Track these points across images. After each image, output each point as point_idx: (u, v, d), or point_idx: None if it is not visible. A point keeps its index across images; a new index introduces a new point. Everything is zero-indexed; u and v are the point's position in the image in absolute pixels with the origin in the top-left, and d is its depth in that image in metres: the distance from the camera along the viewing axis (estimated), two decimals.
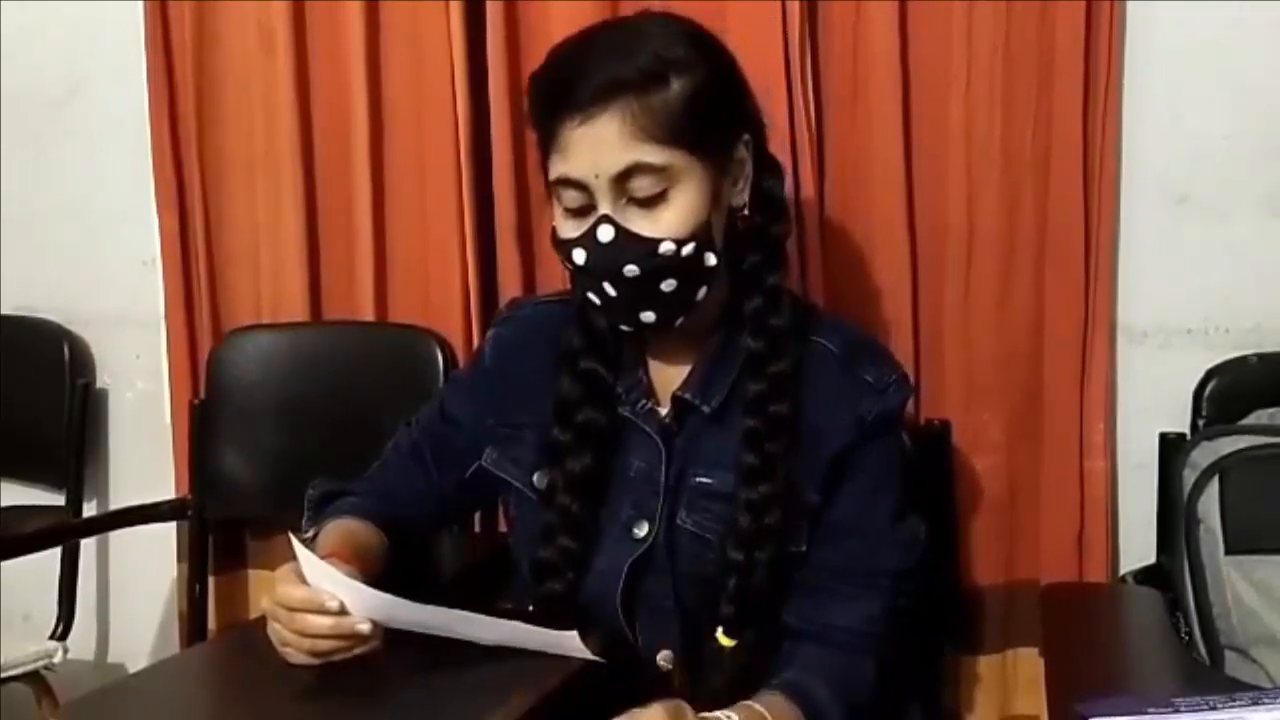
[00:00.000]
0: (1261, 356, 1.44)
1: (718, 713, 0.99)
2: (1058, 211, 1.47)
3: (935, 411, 1.51)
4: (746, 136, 1.12)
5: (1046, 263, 1.49)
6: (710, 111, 1.07)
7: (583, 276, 1.09)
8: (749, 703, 1.01)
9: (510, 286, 1.64)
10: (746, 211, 1.12)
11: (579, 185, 1.06)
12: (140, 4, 1.79)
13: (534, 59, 1.58)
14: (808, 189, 1.52)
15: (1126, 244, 1.49)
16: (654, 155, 1.04)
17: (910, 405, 1.31)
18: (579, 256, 1.08)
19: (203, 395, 1.77)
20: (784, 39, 1.49)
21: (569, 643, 1.01)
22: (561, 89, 1.06)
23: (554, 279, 1.61)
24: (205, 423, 1.75)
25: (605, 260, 1.06)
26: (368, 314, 1.73)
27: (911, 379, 1.28)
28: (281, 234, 1.75)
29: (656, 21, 1.12)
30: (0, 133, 1.99)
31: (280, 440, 1.73)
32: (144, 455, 1.93)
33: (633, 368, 1.17)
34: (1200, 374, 1.44)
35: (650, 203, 1.06)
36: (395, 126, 1.70)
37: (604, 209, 1.06)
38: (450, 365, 1.63)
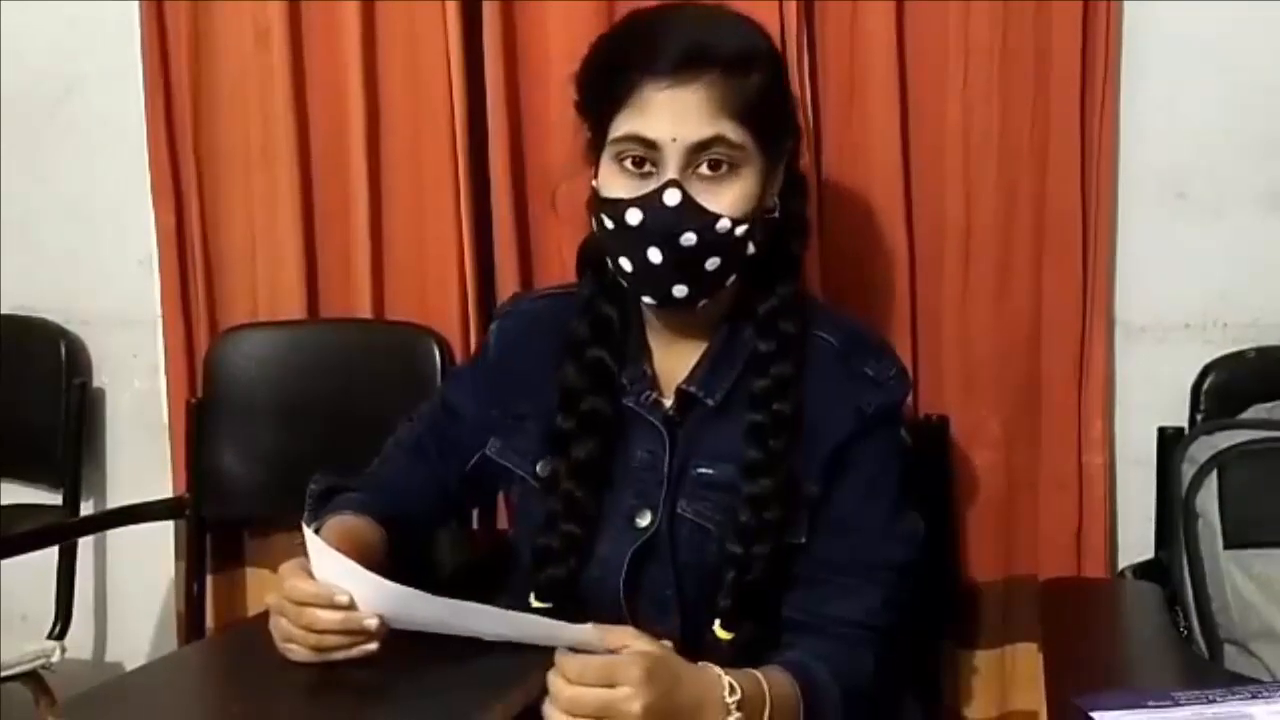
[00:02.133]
0: (1259, 351, 1.44)
1: (710, 665, 0.99)
2: (1055, 207, 1.47)
3: (933, 407, 1.51)
4: (789, 144, 1.15)
5: (1044, 258, 1.49)
6: (777, 109, 1.12)
7: (628, 238, 1.09)
8: (744, 670, 1.01)
9: (507, 284, 1.64)
10: (775, 214, 1.14)
11: (650, 145, 1.07)
12: (135, 3, 1.78)
13: (531, 56, 1.60)
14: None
15: (1124, 239, 1.49)
16: (735, 133, 1.07)
17: (908, 400, 1.31)
18: (634, 216, 1.08)
19: (200, 394, 1.77)
20: (781, 36, 1.49)
21: (581, 635, 1.01)
22: (647, 48, 1.07)
23: (551, 275, 1.61)
24: (202, 421, 1.75)
25: (665, 224, 1.07)
26: (365, 312, 1.72)
27: (910, 374, 1.28)
28: (278, 232, 1.75)
29: (737, 14, 1.16)
30: None
31: (277, 439, 1.73)
32: (141, 454, 1.93)
33: (637, 360, 1.17)
34: (1198, 369, 1.44)
35: (716, 179, 1.07)
36: (392, 124, 1.70)
37: (672, 173, 1.07)
38: (448, 363, 1.62)
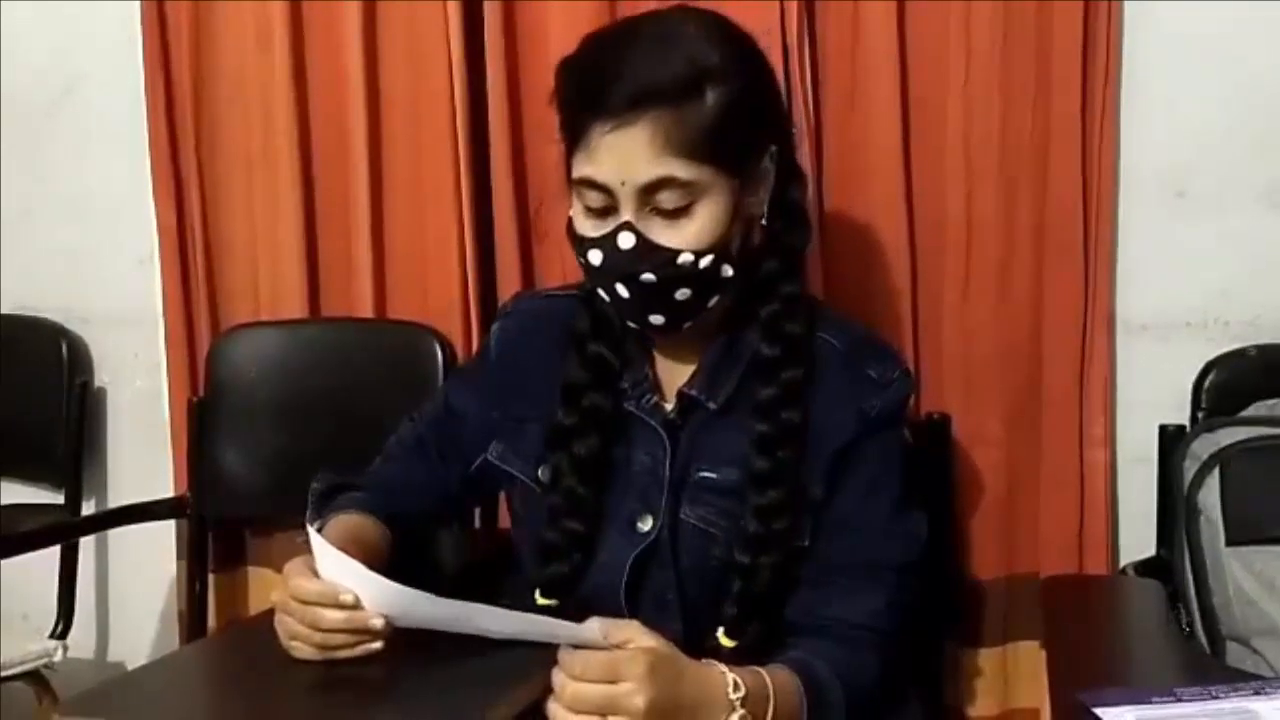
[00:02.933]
0: (1260, 349, 1.44)
1: (715, 662, 0.99)
2: (1056, 205, 1.47)
3: (935, 405, 1.51)
4: (774, 148, 1.12)
5: (1045, 256, 1.49)
6: (741, 126, 1.07)
7: (595, 276, 1.10)
8: (748, 667, 1.01)
9: (509, 283, 1.64)
10: (765, 221, 1.12)
11: (603, 188, 1.06)
12: (137, 2, 1.78)
13: (532, 55, 1.59)
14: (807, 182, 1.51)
15: (1125, 237, 1.49)
16: (683, 170, 1.04)
17: (910, 400, 1.31)
18: (595, 257, 1.08)
19: (201, 393, 1.77)
20: (782, 32, 1.49)
21: (585, 633, 1.01)
22: (593, 89, 1.05)
23: (552, 274, 1.61)
24: (204, 420, 1.75)
25: (622, 265, 1.06)
26: (366, 311, 1.72)
27: (913, 375, 1.28)
28: (279, 231, 1.75)
29: (694, 21, 1.09)
30: None
31: (279, 437, 1.73)
32: (143, 453, 1.93)
33: (639, 362, 1.17)
34: (1199, 367, 1.44)
35: (674, 214, 1.06)
36: (393, 123, 1.70)
37: (626, 216, 1.06)
38: (449, 362, 1.62)
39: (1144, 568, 1.39)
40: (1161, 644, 1.19)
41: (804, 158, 1.50)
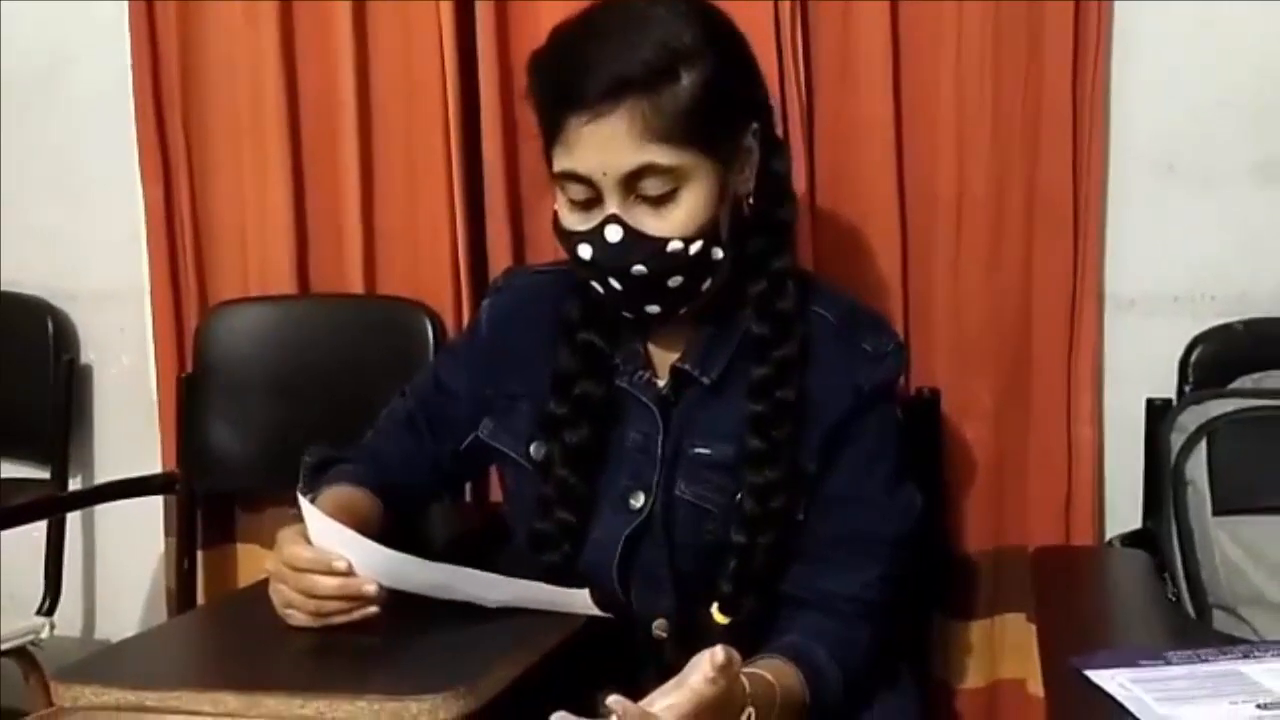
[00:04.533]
0: (1247, 324, 1.45)
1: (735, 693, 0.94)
2: (1046, 180, 1.48)
3: (925, 380, 1.51)
4: (755, 125, 1.11)
5: (1035, 231, 1.49)
6: (720, 106, 1.06)
7: (586, 270, 1.09)
8: (754, 670, 1.00)
9: (500, 258, 1.63)
10: (752, 199, 1.12)
11: (585, 180, 1.05)
12: None
13: (524, 31, 1.58)
14: (797, 158, 1.50)
15: (1114, 212, 1.50)
16: (664, 156, 1.03)
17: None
18: (584, 251, 1.07)
19: (189, 369, 1.76)
20: (775, 12, 1.49)
21: (578, 600, 1.01)
22: (566, 83, 1.04)
23: (543, 250, 1.61)
24: (192, 396, 1.74)
25: (613, 258, 1.06)
26: (356, 287, 1.72)
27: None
28: (268, 206, 1.74)
29: (663, 2, 1.08)
30: None
31: (269, 413, 1.72)
32: (130, 430, 1.92)
33: (631, 339, 1.16)
34: (1186, 341, 1.45)
35: (659, 201, 1.05)
36: (383, 97, 1.69)
37: (612, 208, 1.05)
38: (440, 338, 1.62)
39: (1130, 539, 1.40)
40: (1150, 612, 1.20)
41: (795, 134, 1.51)
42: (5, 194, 1.97)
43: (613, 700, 0.84)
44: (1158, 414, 1.41)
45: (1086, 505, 1.50)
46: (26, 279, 1.95)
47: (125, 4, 1.77)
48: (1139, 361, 1.50)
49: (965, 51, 1.48)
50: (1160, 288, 1.51)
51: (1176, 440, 1.29)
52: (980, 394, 1.53)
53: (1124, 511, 1.50)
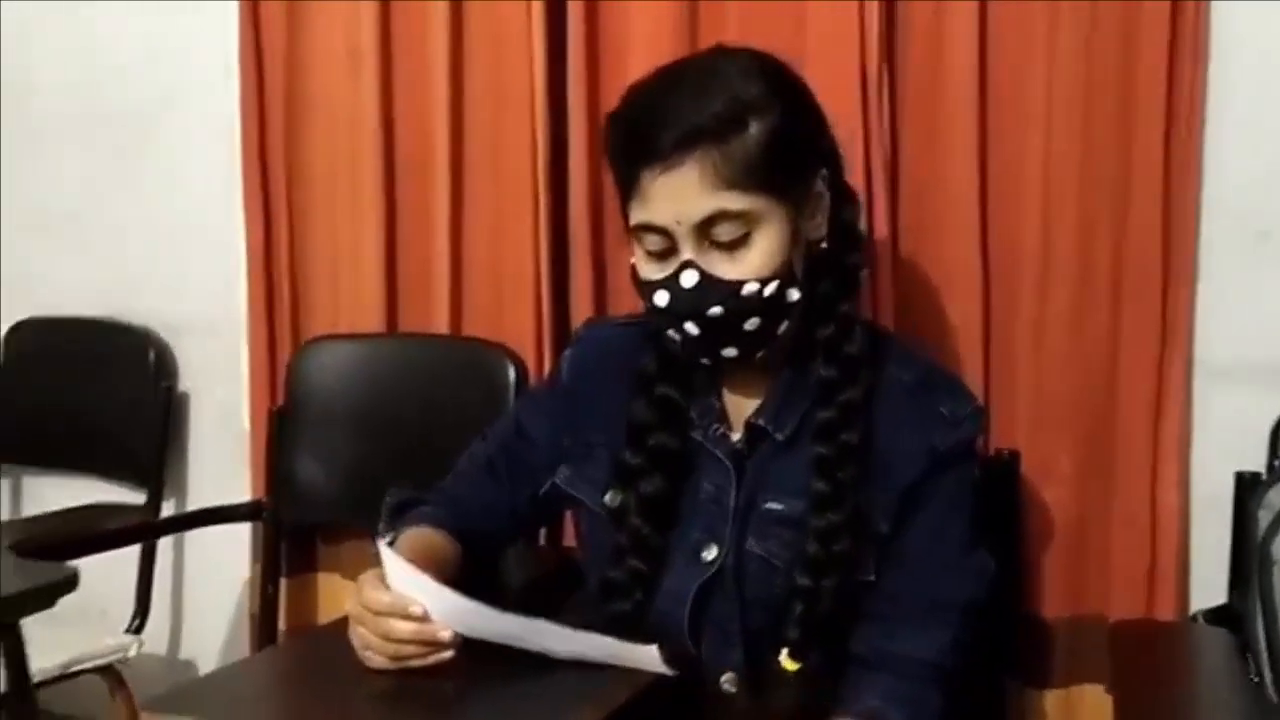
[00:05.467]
0: None
1: None
2: (1136, 242, 1.45)
3: (1004, 441, 1.50)
4: (824, 171, 1.13)
5: (1123, 294, 1.47)
6: (788, 152, 1.08)
7: (664, 317, 1.11)
8: None
9: (582, 306, 1.66)
10: (825, 244, 1.13)
11: (661, 231, 1.08)
12: (233, 20, 1.85)
13: (614, 78, 1.62)
14: (881, 214, 1.52)
15: (1206, 277, 1.47)
16: (735, 202, 1.06)
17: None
18: (661, 299, 1.09)
19: (280, 402, 1.82)
20: (861, 63, 1.50)
21: (647, 656, 1.02)
22: (640, 137, 1.07)
23: (625, 297, 1.62)
24: (282, 429, 1.80)
25: (689, 304, 1.08)
26: (442, 327, 1.76)
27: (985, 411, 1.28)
28: (361, 247, 1.80)
29: (730, 59, 1.12)
30: (94, 144, 2.07)
31: (353, 448, 1.77)
32: (222, 458, 1.99)
33: (707, 392, 1.18)
34: (1278, 413, 1.42)
35: (733, 245, 1.07)
36: (474, 144, 1.74)
37: (687, 254, 1.07)
38: (522, 381, 1.65)
39: (1214, 615, 1.36)
40: (1230, 694, 1.17)
41: (878, 189, 1.51)
42: (114, 227, 2.07)
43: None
44: (1246, 487, 1.37)
45: (1170, 577, 1.46)
46: (131, 310, 2.04)
47: (230, 47, 1.85)
48: (1228, 432, 1.47)
49: (1055, 108, 1.47)
50: (1253, 357, 1.47)
51: (1265, 517, 1.26)
52: (1060, 457, 1.51)
53: (1210, 585, 1.46)
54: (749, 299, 1.07)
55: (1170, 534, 1.46)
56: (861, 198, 1.29)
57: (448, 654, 1.02)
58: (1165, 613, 1.46)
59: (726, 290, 1.07)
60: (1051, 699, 1.52)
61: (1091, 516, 1.51)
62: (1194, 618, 1.41)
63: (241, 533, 1.88)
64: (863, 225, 1.21)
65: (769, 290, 1.08)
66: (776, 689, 1.10)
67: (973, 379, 1.46)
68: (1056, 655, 1.52)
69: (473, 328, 1.76)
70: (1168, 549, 1.47)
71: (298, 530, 1.85)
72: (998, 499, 1.43)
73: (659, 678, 1.05)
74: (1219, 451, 1.47)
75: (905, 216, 1.54)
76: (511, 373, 1.65)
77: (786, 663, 1.10)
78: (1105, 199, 1.47)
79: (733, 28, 1.56)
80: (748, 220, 1.06)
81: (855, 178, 1.31)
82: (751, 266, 1.07)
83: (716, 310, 1.07)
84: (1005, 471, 1.46)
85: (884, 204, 1.52)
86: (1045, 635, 1.52)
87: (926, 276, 1.54)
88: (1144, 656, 1.23)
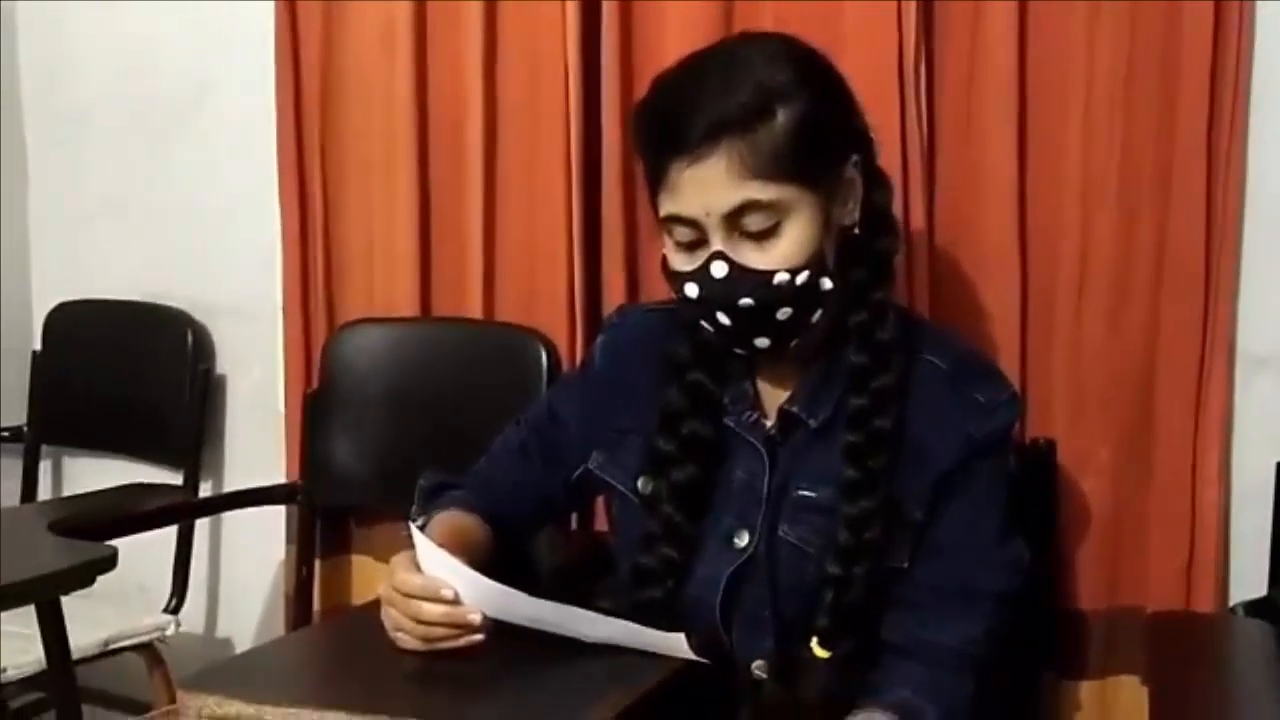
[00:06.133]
0: None
1: None
2: (1178, 232, 1.43)
3: (1041, 430, 1.48)
4: (855, 157, 1.11)
5: (1164, 283, 1.45)
6: (817, 139, 1.07)
7: (694, 308, 1.10)
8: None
9: (615, 290, 1.66)
10: (857, 230, 1.12)
11: (690, 222, 1.07)
12: (269, 8, 1.85)
13: (649, 62, 1.61)
14: (917, 203, 1.51)
15: (1250, 267, 1.45)
16: (763, 192, 1.05)
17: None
18: (692, 290, 1.09)
19: (315, 385, 1.83)
20: (899, 49, 1.49)
21: (676, 644, 1.02)
22: (667, 129, 1.07)
23: (657, 282, 1.60)
24: (317, 411, 1.81)
25: (719, 294, 1.07)
26: (475, 312, 1.77)
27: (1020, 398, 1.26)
28: (396, 232, 1.80)
29: (756, 45, 1.11)
30: (133, 129, 2.09)
31: (387, 431, 1.78)
32: (258, 440, 2.01)
33: (740, 379, 1.17)
34: None
35: (762, 236, 1.06)
36: (508, 130, 1.74)
37: (716, 245, 1.07)
38: (554, 367, 1.65)
39: (1254, 608, 1.35)
40: (1269, 687, 1.15)
41: (914, 178, 1.50)
42: (152, 211, 2.09)
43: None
44: None
45: (1209, 569, 1.45)
46: (169, 292, 2.06)
47: (268, 36, 1.86)
48: (1270, 422, 1.45)
49: (1095, 98, 1.45)
50: None
51: None
52: (1099, 447, 1.49)
53: (1249, 577, 1.44)
54: (780, 289, 1.07)
55: (1210, 525, 1.45)
56: (898, 186, 1.27)
57: (478, 637, 1.03)
58: (1204, 605, 1.44)
59: (757, 280, 1.06)
60: (1087, 690, 1.51)
61: (1129, 507, 1.49)
62: (1233, 610, 1.39)
63: (277, 514, 1.90)
64: (897, 211, 1.19)
65: (800, 279, 1.07)
66: (806, 677, 1.10)
67: (1009, 367, 1.44)
68: (1093, 647, 1.51)
69: (506, 313, 1.77)
70: (1207, 540, 1.45)
71: (331, 512, 1.87)
72: (1034, 488, 1.41)
73: (689, 663, 1.05)
74: (1260, 442, 1.45)
75: (942, 205, 1.53)
76: (544, 358, 1.66)
77: (817, 650, 1.10)
78: (1146, 190, 1.45)
79: (769, 14, 1.54)
80: (777, 210, 1.05)
81: (892, 167, 1.29)
82: (782, 256, 1.06)
83: (747, 301, 1.07)
84: (1041, 460, 1.44)
85: (920, 193, 1.50)
86: (1081, 626, 1.51)
87: (963, 265, 1.53)
88: (1181, 649, 1.22)
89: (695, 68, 1.10)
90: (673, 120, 1.06)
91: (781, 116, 1.05)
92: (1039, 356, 1.51)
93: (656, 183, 1.09)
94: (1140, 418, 1.48)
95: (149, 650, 1.85)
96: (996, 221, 1.50)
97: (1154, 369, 1.47)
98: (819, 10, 1.52)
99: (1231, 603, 1.44)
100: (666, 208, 1.08)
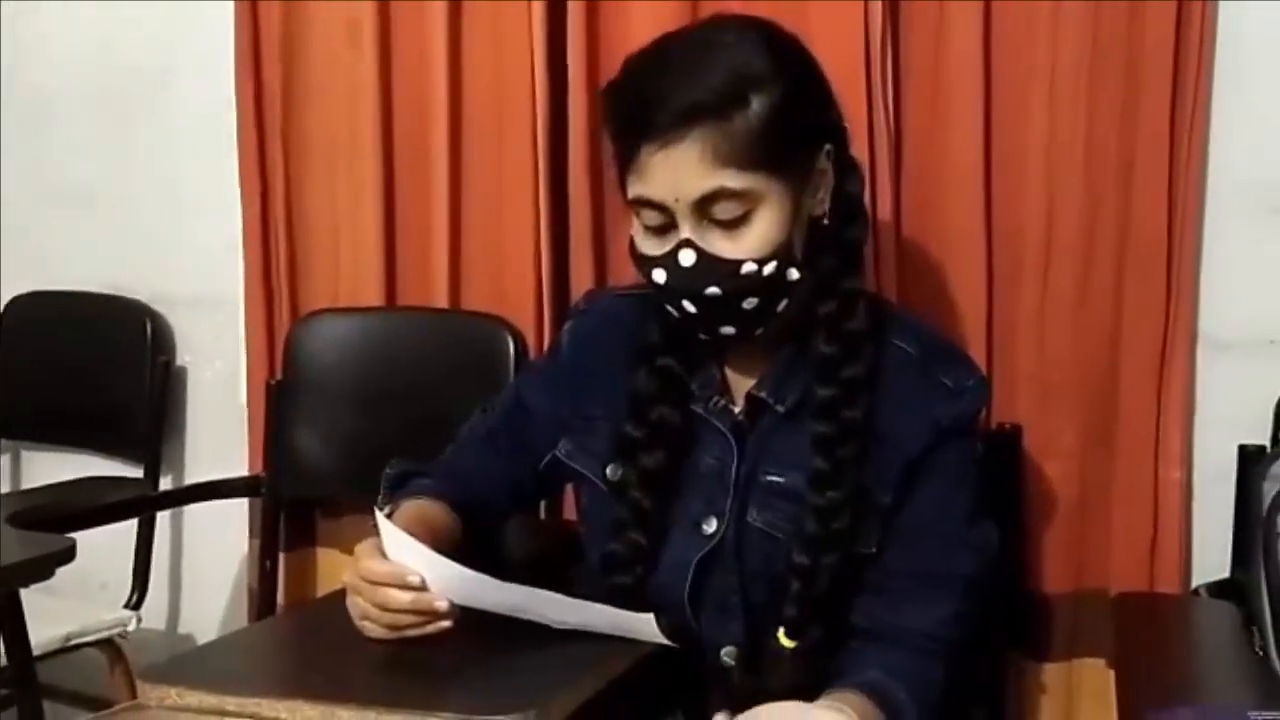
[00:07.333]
0: None
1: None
2: (1140, 216, 1.45)
3: (1006, 415, 1.49)
4: (828, 146, 1.11)
5: (1127, 268, 1.46)
6: (792, 129, 1.06)
7: (663, 294, 1.10)
8: (837, 704, 1.00)
9: (582, 280, 1.65)
10: (826, 220, 1.12)
11: (658, 206, 1.06)
12: None
13: (614, 50, 1.60)
14: (884, 188, 1.51)
15: (1210, 252, 1.46)
16: (735, 180, 1.04)
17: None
18: (659, 276, 1.08)
19: (279, 376, 1.81)
20: (865, 38, 1.49)
21: (645, 626, 1.02)
22: (638, 112, 1.05)
23: (625, 270, 1.61)
24: (280, 403, 1.79)
25: (686, 281, 1.07)
26: (442, 301, 1.75)
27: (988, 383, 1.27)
28: (360, 221, 1.79)
29: (732, 29, 1.09)
30: (92, 118, 2.05)
31: (352, 422, 1.76)
32: (220, 432, 1.98)
33: (708, 365, 1.17)
34: None
35: (732, 224, 1.05)
36: (474, 118, 1.72)
37: (685, 232, 1.06)
38: (521, 355, 1.64)
39: (1217, 589, 1.36)
40: (1234, 666, 1.17)
41: (882, 164, 1.50)
42: (110, 201, 2.06)
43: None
44: (1251, 460, 1.37)
45: (1173, 551, 1.46)
46: (127, 283, 2.03)
47: (230, 22, 1.83)
48: (1232, 405, 1.46)
49: (1059, 79, 1.46)
50: (1257, 331, 1.47)
51: (1269, 489, 1.25)
52: (1063, 431, 1.50)
53: (1212, 559, 1.46)
54: (747, 279, 1.06)
55: (1173, 507, 1.46)
56: (865, 171, 1.27)
57: (445, 624, 1.02)
58: (1168, 586, 1.46)
59: (725, 270, 1.05)
60: (1052, 672, 1.52)
61: (1094, 490, 1.50)
62: (1196, 591, 1.41)
63: (240, 507, 1.87)
64: (865, 200, 1.19)
65: (768, 270, 1.06)
66: (775, 666, 1.10)
67: (976, 353, 1.44)
68: (1058, 629, 1.52)
69: (472, 301, 1.75)
70: (1170, 522, 1.46)
71: (296, 505, 1.84)
72: (1000, 473, 1.42)
73: (659, 648, 1.05)
74: (1222, 425, 1.47)
75: (909, 194, 1.53)
76: (511, 346, 1.64)
77: (784, 640, 1.10)
78: (1110, 172, 1.46)
79: (735, 9, 1.53)
80: (748, 199, 1.04)
81: (859, 156, 1.29)
82: (751, 246, 1.06)
83: (714, 290, 1.06)
84: (1008, 445, 1.45)
85: (888, 181, 1.51)
86: (1047, 609, 1.52)
87: (930, 253, 1.53)
88: (1146, 630, 1.23)
89: (668, 50, 1.08)
90: (644, 102, 1.05)
91: (756, 104, 1.04)
92: (1005, 342, 1.52)
93: (625, 164, 1.08)
94: (1104, 401, 1.49)
95: (110, 646, 1.83)
96: (962, 209, 1.50)
97: (1118, 353, 1.48)
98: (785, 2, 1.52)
99: (1195, 584, 1.45)
100: (635, 190, 1.07)
